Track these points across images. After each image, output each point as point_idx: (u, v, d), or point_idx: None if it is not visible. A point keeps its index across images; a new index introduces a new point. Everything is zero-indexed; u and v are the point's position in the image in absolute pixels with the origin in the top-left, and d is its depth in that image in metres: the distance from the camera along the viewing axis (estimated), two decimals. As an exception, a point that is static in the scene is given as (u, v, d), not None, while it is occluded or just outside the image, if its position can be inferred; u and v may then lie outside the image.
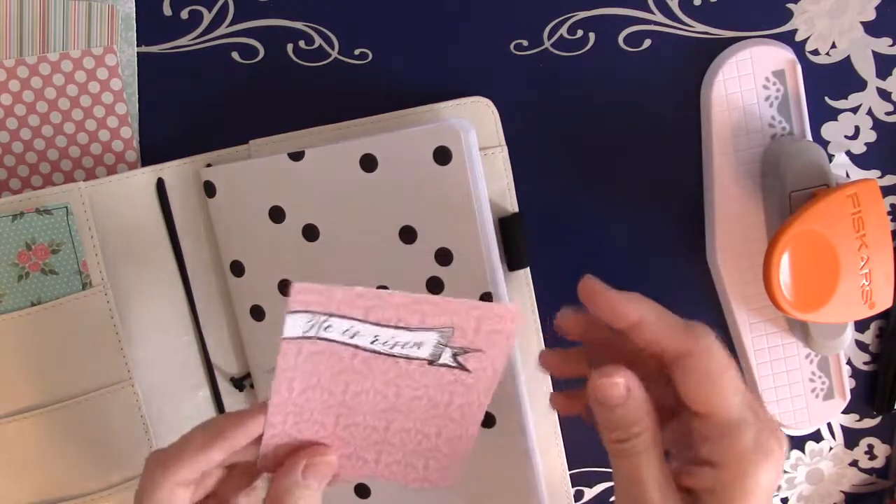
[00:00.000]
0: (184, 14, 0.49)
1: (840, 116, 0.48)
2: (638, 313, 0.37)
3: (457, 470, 0.40)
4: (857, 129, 0.48)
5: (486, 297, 0.46)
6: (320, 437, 0.39)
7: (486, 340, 0.36)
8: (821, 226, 0.43)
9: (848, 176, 0.49)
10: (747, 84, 0.47)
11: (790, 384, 0.50)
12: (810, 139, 0.48)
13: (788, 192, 0.45)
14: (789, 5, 0.47)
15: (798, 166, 0.45)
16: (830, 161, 0.49)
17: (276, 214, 0.48)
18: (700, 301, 0.51)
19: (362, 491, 0.50)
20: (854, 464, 0.53)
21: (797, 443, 0.53)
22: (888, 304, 0.45)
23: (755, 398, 0.37)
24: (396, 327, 0.36)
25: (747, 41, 0.47)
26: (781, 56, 0.47)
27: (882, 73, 0.48)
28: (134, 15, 0.49)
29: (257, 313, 0.50)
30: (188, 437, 0.37)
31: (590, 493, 0.54)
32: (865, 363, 0.51)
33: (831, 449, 0.53)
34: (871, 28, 0.47)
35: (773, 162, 0.46)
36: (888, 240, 0.44)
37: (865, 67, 0.48)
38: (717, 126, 0.47)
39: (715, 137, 0.48)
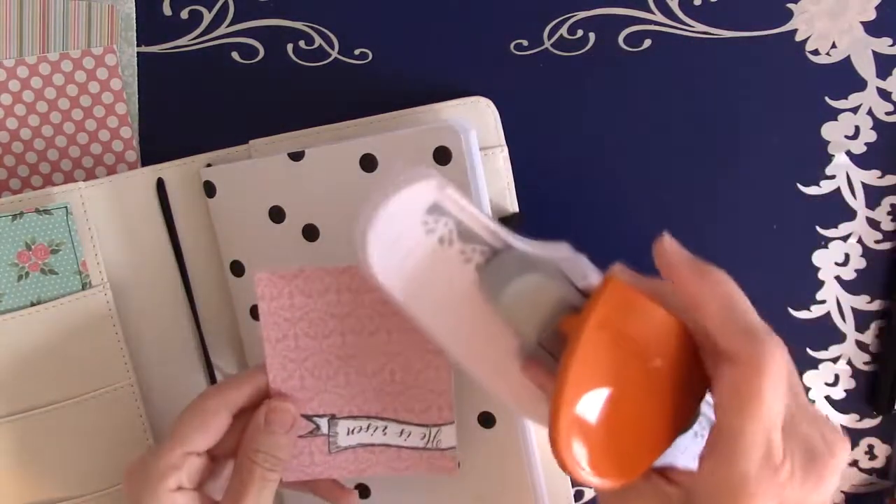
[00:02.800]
0: (184, 14, 0.49)
1: (840, 116, 0.48)
2: (699, 295, 0.33)
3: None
4: (857, 129, 0.48)
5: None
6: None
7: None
8: (597, 381, 0.33)
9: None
10: (409, 243, 0.36)
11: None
12: (512, 245, 0.37)
13: (536, 342, 0.36)
14: (789, 5, 0.47)
15: (524, 311, 0.35)
16: (830, 161, 0.49)
17: (276, 214, 0.48)
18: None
19: (363, 491, 0.50)
20: (854, 464, 0.53)
21: (797, 443, 0.53)
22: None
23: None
24: None
25: (378, 199, 0.35)
26: (424, 191, 0.35)
27: (882, 73, 0.48)
28: (134, 15, 0.49)
29: (257, 313, 0.49)
30: (237, 375, 0.44)
31: (590, 492, 0.54)
32: (865, 363, 0.51)
33: (831, 449, 0.53)
34: (871, 28, 0.47)
35: (495, 304, 0.36)
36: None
37: (865, 67, 0.48)
38: (418, 303, 0.37)
39: (425, 313, 0.37)
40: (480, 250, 0.36)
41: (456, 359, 0.37)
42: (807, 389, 0.52)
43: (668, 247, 0.34)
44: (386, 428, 0.43)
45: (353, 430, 0.44)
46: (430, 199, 0.35)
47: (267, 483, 0.40)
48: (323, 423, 0.43)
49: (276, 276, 0.40)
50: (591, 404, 0.32)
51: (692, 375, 0.34)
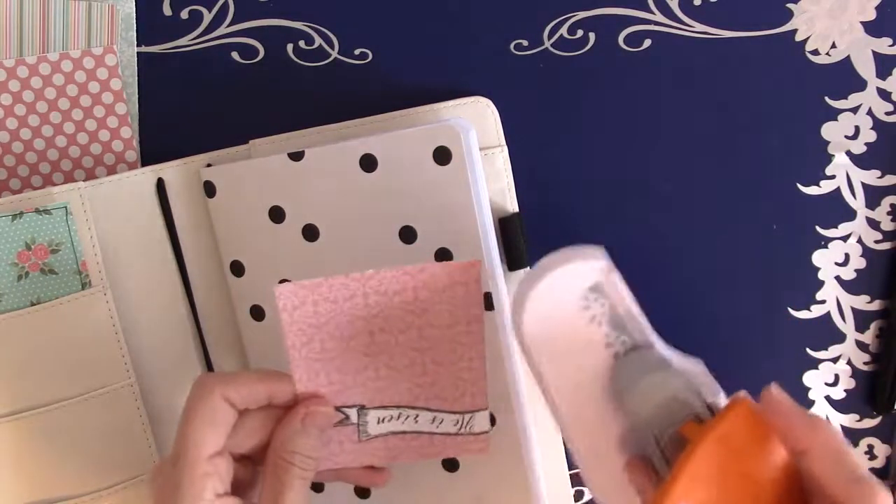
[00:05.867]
0: (184, 14, 0.49)
1: (840, 116, 0.48)
2: (808, 443, 0.34)
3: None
4: (857, 129, 0.49)
5: (486, 297, 0.46)
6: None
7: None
8: (702, 493, 0.34)
9: None
10: (564, 310, 0.38)
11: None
12: (654, 346, 0.39)
13: (653, 435, 0.37)
14: (789, 5, 0.47)
15: (651, 407, 0.37)
16: (830, 161, 0.49)
17: (276, 214, 0.48)
18: (697, 299, 0.51)
19: (362, 492, 0.50)
20: (854, 464, 0.53)
21: (797, 443, 0.53)
22: None
23: None
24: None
25: (551, 263, 0.38)
26: (591, 269, 0.38)
27: (882, 73, 0.48)
28: (134, 15, 0.49)
29: (257, 313, 0.49)
30: (242, 371, 0.43)
31: (590, 493, 0.54)
32: (865, 363, 0.51)
33: (831, 449, 0.53)
34: (871, 28, 0.47)
35: (623, 394, 0.39)
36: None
37: (865, 67, 0.48)
38: (550, 367, 0.39)
39: (552, 378, 0.39)
40: (623, 340, 0.39)
41: (565, 429, 0.39)
42: (807, 389, 0.52)
43: (778, 396, 0.36)
44: (417, 416, 0.44)
45: (383, 419, 0.44)
46: (595, 278, 0.38)
47: (305, 484, 0.40)
48: (352, 413, 0.43)
49: (298, 287, 0.41)
50: None
51: None
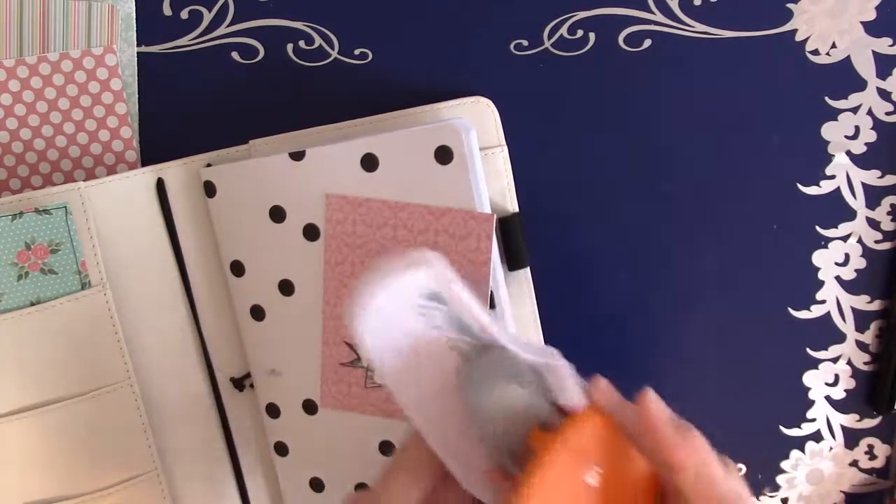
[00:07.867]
0: (184, 14, 0.49)
1: (840, 116, 0.48)
2: (684, 462, 0.33)
3: None
4: (857, 129, 0.49)
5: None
6: None
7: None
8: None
9: None
10: (400, 328, 0.36)
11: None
12: (502, 344, 0.36)
13: (506, 444, 0.35)
14: (789, 5, 0.47)
15: (498, 418, 0.35)
16: (830, 161, 0.49)
17: (277, 214, 0.48)
18: (697, 298, 0.51)
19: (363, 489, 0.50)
20: (854, 464, 0.53)
21: (797, 443, 0.53)
22: None
23: None
24: None
25: (374, 277, 0.36)
26: (424, 278, 0.36)
27: (882, 73, 0.48)
28: (134, 15, 0.49)
29: (257, 313, 0.49)
30: (388, 483, 0.37)
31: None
32: (865, 363, 0.51)
33: (831, 449, 0.53)
34: (871, 28, 0.47)
35: (472, 405, 0.36)
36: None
37: (865, 67, 0.48)
38: (398, 379, 0.37)
39: (403, 391, 0.37)
40: (469, 342, 0.37)
41: (430, 441, 0.37)
42: (807, 389, 0.52)
43: (652, 406, 0.34)
44: None
45: None
46: (429, 286, 0.35)
47: None
48: None
49: (346, 200, 0.43)
50: None
51: None
